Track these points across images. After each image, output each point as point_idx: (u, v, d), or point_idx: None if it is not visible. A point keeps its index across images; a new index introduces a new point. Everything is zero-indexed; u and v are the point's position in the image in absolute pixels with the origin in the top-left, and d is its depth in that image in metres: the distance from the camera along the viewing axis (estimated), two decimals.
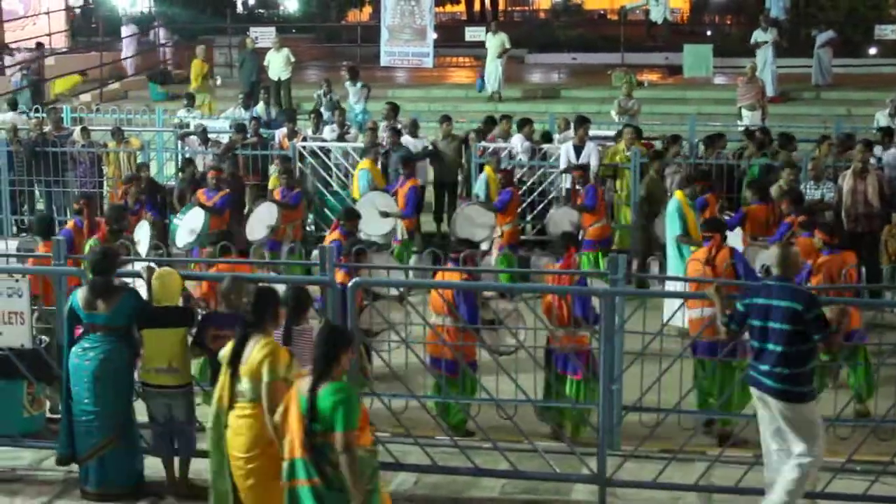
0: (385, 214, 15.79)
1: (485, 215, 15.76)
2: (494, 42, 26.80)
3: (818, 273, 11.38)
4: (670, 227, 14.21)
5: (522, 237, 17.17)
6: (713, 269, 11.02)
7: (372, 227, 15.53)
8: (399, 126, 19.28)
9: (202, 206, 15.16)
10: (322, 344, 6.94)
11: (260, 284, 8.22)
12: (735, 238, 14.13)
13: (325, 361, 6.84)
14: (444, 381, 10.22)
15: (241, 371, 7.48)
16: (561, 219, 15.87)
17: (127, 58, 30.68)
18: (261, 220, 15.42)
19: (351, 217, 13.02)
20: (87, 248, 11.92)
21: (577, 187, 15.95)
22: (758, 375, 7.96)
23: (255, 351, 7.43)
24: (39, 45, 28.80)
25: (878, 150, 16.90)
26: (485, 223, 15.61)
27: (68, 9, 33.41)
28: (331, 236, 12.76)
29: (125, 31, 31.01)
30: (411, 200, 16.01)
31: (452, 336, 10.43)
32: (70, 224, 13.69)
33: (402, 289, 11.31)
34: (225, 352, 7.70)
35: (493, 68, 26.73)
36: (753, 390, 8.07)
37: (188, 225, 14.90)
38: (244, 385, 7.49)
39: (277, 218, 15.55)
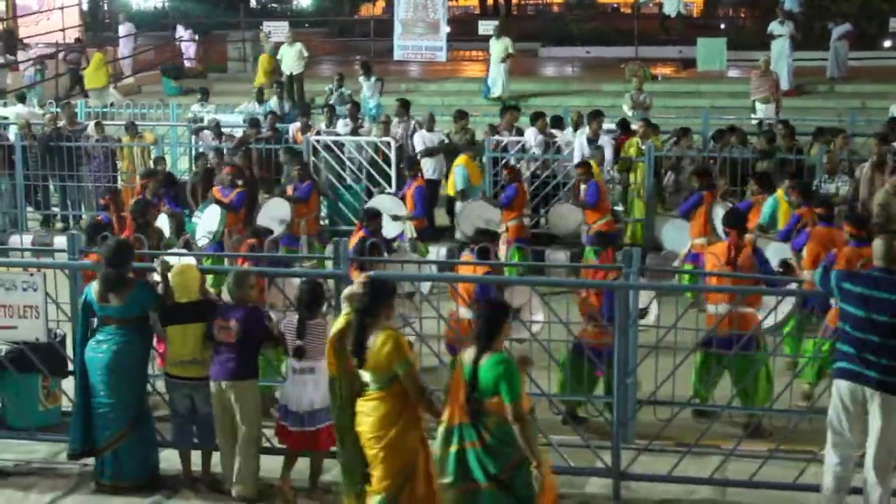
0: (396, 218, 15.84)
1: (490, 211, 15.77)
2: (498, 47, 26.07)
3: (841, 262, 11.36)
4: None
5: (535, 230, 17.19)
6: (733, 269, 10.92)
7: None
8: (414, 122, 19.31)
9: (218, 202, 15.18)
10: (485, 319, 7.33)
11: (373, 275, 8.17)
12: None
13: (489, 335, 7.24)
14: None
15: (366, 365, 7.48)
16: (564, 216, 15.87)
17: (125, 57, 30.32)
18: (272, 217, 15.39)
19: (373, 217, 12.97)
20: None
21: (582, 185, 15.86)
22: (857, 367, 7.82)
23: (377, 345, 7.41)
24: (78, 40, 28.77)
25: None
26: (489, 219, 15.61)
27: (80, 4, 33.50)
28: (355, 238, 12.71)
29: (122, 29, 30.69)
30: (419, 201, 16.03)
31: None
32: (97, 220, 13.75)
33: (412, 287, 11.27)
34: (336, 331, 7.72)
35: (497, 73, 26.14)
36: (845, 384, 7.89)
37: (206, 223, 14.93)
38: (368, 376, 7.53)
39: (291, 214, 15.53)
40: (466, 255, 11.31)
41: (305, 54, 26.08)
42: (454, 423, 7.31)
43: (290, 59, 25.79)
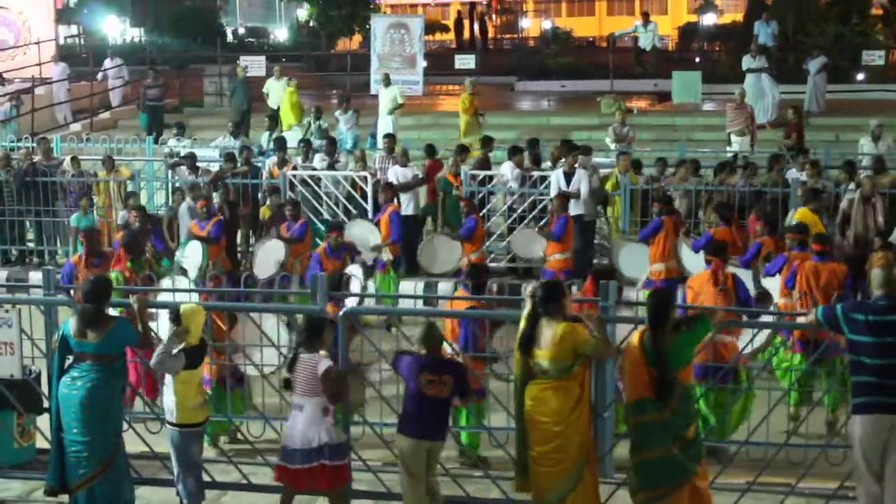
0: (376, 248, 15.92)
1: (450, 246, 15.82)
2: (386, 96, 24.57)
3: (801, 274, 11.60)
4: None
5: (512, 265, 17.24)
6: (724, 294, 11.04)
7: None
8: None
9: (197, 237, 15.16)
10: (655, 307, 8.09)
11: (546, 282, 8.74)
12: (699, 260, 14.18)
13: (665, 318, 8.02)
14: None
15: (540, 354, 8.15)
16: (525, 241, 15.93)
17: (60, 102, 29.18)
18: (269, 257, 15.36)
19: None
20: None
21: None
22: (880, 398, 7.85)
23: (557, 337, 8.11)
24: (154, 70, 28.02)
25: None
26: (450, 254, 15.72)
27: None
28: None
29: (55, 71, 29.67)
30: (396, 225, 16.07)
31: None
32: (75, 258, 13.77)
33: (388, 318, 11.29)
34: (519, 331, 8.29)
35: (386, 125, 23.93)
36: (869, 417, 7.90)
37: (190, 259, 14.94)
38: (545, 365, 8.16)
39: (286, 253, 15.50)
40: (461, 290, 11.32)
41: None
42: (633, 398, 8.09)
43: (278, 93, 25.85)
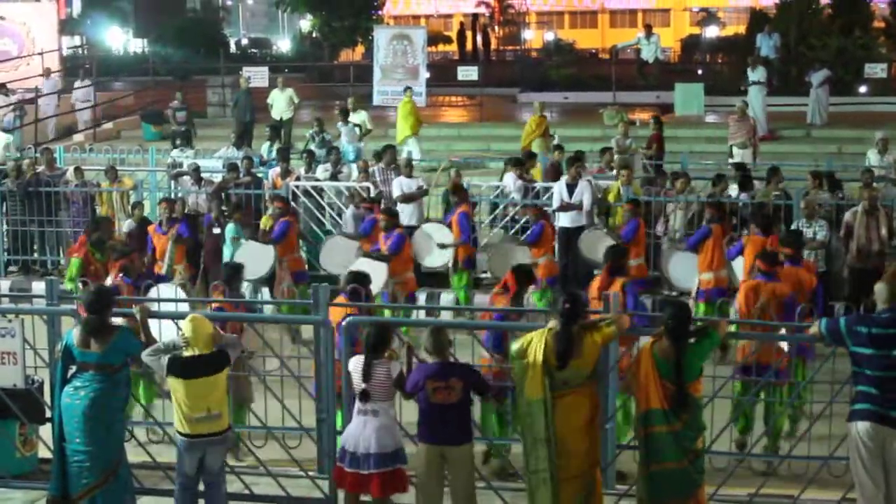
0: (442, 246, 16.04)
1: (518, 252, 15.74)
2: (355, 120, 24.00)
3: (741, 294, 11.32)
4: None
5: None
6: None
7: (430, 259, 16.18)
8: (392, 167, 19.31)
9: (264, 240, 15.38)
10: (677, 318, 8.12)
11: (570, 292, 8.63)
12: (737, 267, 14.08)
13: (686, 331, 8.14)
14: None
15: (579, 363, 8.09)
16: (594, 242, 15.64)
17: (50, 116, 28.73)
18: (345, 255, 15.37)
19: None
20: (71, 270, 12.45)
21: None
22: (880, 409, 7.93)
23: (594, 342, 8.17)
24: (183, 100, 27.55)
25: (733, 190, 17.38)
26: (518, 260, 15.68)
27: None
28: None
29: (46, 85, 29.37)
30: (465, 226, 16.04)
31: None
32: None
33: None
34: (539, 349, 8.11)
35: (356, 152, 23.08)
36: (866, 424, 7.98)
37: (256, 258, 15.04)
38: (577, 373, 8.12)
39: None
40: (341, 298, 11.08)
41: (296, 100, 26.24)
42: (643, 409, 8.14)
43: (281, 104, 25.91)
